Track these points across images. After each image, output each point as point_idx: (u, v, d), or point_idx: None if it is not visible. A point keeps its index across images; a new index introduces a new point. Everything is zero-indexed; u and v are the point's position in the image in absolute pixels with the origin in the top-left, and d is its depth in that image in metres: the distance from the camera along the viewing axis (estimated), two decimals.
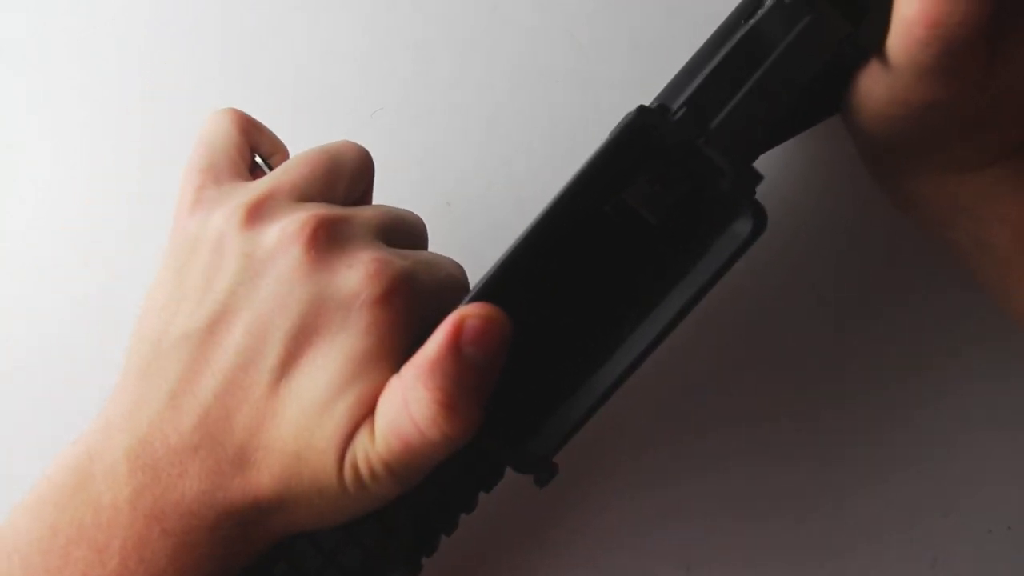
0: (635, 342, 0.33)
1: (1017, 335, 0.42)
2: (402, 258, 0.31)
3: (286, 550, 0.33)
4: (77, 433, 0.30)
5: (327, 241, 0.30)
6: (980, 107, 0.31)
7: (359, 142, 0.41)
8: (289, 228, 0.30)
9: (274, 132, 0.37)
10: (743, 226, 0.32)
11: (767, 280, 0.42)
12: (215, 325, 0.30)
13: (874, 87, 0.31)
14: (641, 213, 0.33)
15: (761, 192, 0.33)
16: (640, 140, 0.32)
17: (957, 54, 0.28)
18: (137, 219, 0.42)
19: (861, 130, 0.33)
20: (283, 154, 0.37)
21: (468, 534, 0.36)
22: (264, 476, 0.29)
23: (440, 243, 0.42)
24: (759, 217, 0.32)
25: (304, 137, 0.41)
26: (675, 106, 0.32)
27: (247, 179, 0.34)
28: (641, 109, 0.31)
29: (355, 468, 0.29)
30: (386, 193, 0.42)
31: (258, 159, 0.36)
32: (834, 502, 0.42)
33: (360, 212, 0.32)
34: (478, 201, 0.42)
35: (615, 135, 0.32)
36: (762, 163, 0.34)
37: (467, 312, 0.28)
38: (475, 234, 0.41)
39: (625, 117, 0.32)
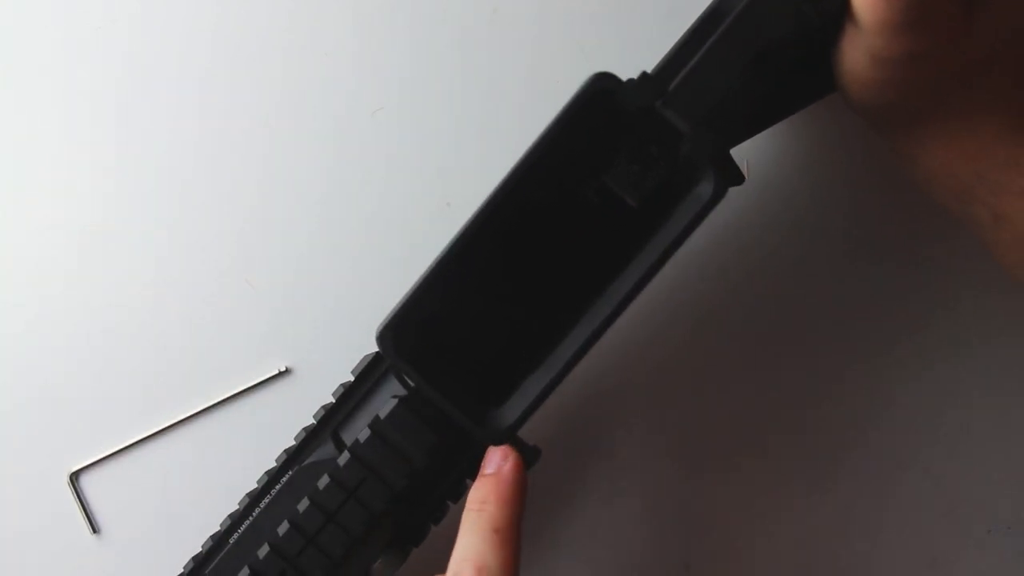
0: (596, 312, 0.34)
1: (1018, 335, 0.42)
2: None
3: (269, 535, 0.34)
4: None
5: None
6: (969, 53, 0.30)
7: (358, 142, 0.42)
8: None
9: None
10: (705, 188, 0.33)
11: (766, 275, 0.42)
12: None
13: (855, 55, 0.31)
14: (622, 196, 0.34)
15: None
16: (600, 106, 0.32)
17: (922, 5, 0.28)
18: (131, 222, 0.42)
19: (861, 103, 0.33)
20: None
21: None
22: None
23: (440, 243, 0.42)
24: (721, 178, 0.32)
25: (304, 137, 0.42)
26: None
27: None
28: (599, 74, 0.32)
29: None
30: (386, 193, 0.42)
31: None
32: (834, 502, 0.42)
33: None
34: (478, 201, 0.41)
35: (573, 98, 0.32)
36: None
37: None
38: None
39: (584, 82, 0.32)
